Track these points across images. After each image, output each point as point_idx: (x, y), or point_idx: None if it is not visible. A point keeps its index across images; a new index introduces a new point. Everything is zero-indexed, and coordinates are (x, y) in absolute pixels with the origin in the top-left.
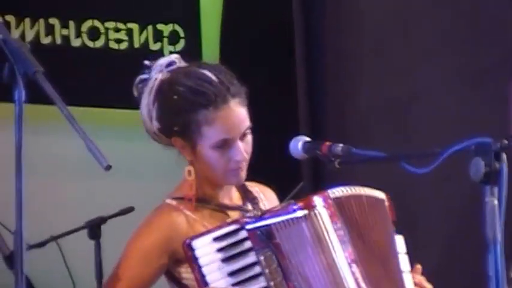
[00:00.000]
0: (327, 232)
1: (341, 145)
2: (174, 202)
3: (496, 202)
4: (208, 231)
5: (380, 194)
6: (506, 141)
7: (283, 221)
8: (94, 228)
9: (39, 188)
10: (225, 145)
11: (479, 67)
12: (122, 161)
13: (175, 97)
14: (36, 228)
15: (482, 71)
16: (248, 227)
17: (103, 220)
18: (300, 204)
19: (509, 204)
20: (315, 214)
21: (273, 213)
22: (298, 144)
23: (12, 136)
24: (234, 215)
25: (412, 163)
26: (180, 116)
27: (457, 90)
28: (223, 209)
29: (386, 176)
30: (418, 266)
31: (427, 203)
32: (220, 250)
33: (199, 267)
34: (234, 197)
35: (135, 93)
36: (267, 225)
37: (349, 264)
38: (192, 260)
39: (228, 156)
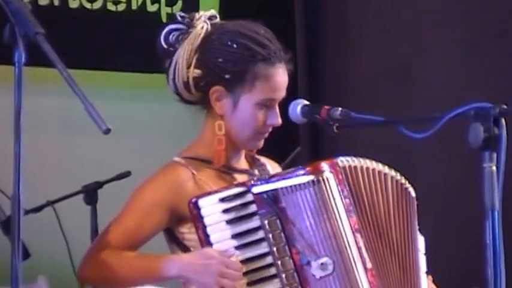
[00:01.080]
0: (334, 199)
1: (340, 109)
2: (183, 161)
3: (494, 168)
4: (215, 191)
5: (402, 179)
6: (505, 107)
7: (289, 186)
8: (90, 193)
9: (36, 152)
10: (268, 105)
11: (483, 33)
12: (121, 124)
13: (235, 46)
14: (32, 193)
15: (485, 36)
16: (254, 190)
17: (99, 185)
18: (308, 169)
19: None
20: (322, 180)
21: (280, 176)
22: (297, 108)
23: (11, 99)
24: (241, 179)
25: (411, 128)
26: (237, 64)
27: (458, 55)
28: (232, 171)
29: (385, 142)
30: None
31: (425, 169)
32: (225, 211)
33: (204, 226)
34: (243, 164)
35: (164, 44)
36: (273, 190)
37: (353, 233)
38: (196, 219)
39: (265, 118)
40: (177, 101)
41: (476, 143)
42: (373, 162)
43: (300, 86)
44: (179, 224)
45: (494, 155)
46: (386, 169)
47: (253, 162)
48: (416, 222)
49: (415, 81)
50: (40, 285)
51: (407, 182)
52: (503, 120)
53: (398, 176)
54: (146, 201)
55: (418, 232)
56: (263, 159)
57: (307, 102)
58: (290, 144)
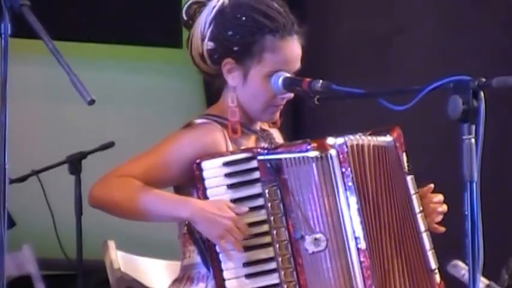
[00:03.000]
0: (335, 177)
1: (321, 81)
2: (216, 121)
3: (473, 140)
4: (220, 155)
5: (386, 139)
6: (484, 80)
7: (294, 158)
8: (75, 163)
9: (21, 122)
10: None
11: (464, 3)
12: (105, 94)
13: (244, 18)
14: (17, 162)
15: (466, 7)
16: (260, 157)
17: (83, 155)
18: (314, 144)
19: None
20: (326, 157)
21: (286, 148)
22: (278, 80)
23: None
24: (252, 141)
25: (391, 100)
26: (246, 37)
27: (438, 26)
28: (247, 130)
29: (364, 114)
30: (431, 186)
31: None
32: (228, 175)
33: (204, 188)
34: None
35: (185, 17)
36: (277, 160)
37: (351, 212)
38: (198, 180)
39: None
40: (198, 73)
41: (455, 115)
42: (377, 137)
43: None
44: (190, 184)
45: (473, 127)
46: (385, 140)
47: (263, 130)
48: (415, 202)
49: (395, 53)
50: (24, 253)
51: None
52: (481, 93)
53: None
54: (176, 152)
55: (418, 212)
56: (271, 130)
57: (288, 75)
58: None
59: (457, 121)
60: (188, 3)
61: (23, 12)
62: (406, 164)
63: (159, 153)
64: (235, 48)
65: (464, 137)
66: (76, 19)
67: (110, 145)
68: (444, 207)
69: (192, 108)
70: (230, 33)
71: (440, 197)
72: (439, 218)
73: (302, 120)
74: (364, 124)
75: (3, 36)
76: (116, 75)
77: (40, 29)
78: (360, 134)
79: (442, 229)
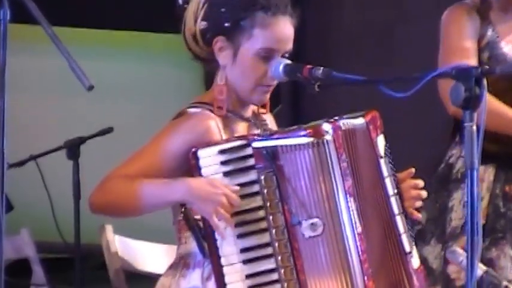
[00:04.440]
0: (331, 162)
1: (322, 68)
2: (206, 110)
3: (475, 128)
4: (216, 143)
5: (361, 121)
6: (487, 67)
7: (289, 145)
8: (73, 148)
9: (19, 107)
10: (268, 56)
11: None
12: (104, 81)
13: None
14: (15, 147)
15: None
16: (254, 144)
17: (82, 140)
18: (309, 130)
19: None
20: (322, 143)
21: (281, 134)
22: (279, 67)
23: None
24: (243, 128)
25: (392, 87)
26: (236, 12)
27: (441, 14)
28: (236, 117)
29: (364, 102)
30: (412, 170)
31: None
32: (223, 163)
33: (201, 176)
34: (247, 114)
35: (180, 1)
36: (273, 146)
37: (347, 197)
38: (195, 169)
39: (265, 70)
40: (192, 59)
41: (457, 102)
42: (360, 118)
43: None
44: (188, 174)
45: (475, 114)
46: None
47: (254, 115)
48: (388, 185)
49: (398, 42)
50: (23, 237)
51: None
52: (484, 81)
53: None
54: (172, 144)
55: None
56: (266, 116)
57: (289, 61)
58: (271, 103)
59: (459, 108)
60: None
61: None
62: (383, 147)
63: (153, 151)
64: (226, 25)
65: (465, 124)
66: (75, 5)
67: (108, 131)
68: (423, 193)
69: (192, 95)
70: (223, 10)
71: (419, 183)
72: (418, 203)
73: (302, 110)
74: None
75: (2, 22)
76: (114, 61)
77: (39, 15)
78: (336, 117)
79: (419, 215)
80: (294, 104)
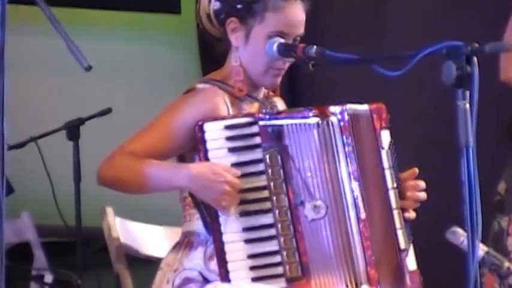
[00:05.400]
0: (336, 144)
1: (315, 47)
2: (215, 85)
3: (467, 106)
4: (223, 118)
5: (365, 108)
6: (477, 45)
7: (295, 124)
8: (72, 129)
9: (18, 89)
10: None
11: None
12: (102, 62)
13: None
14: (15, 129)
15: None
16: (261, 122)
17: (81, 121)
18: (316, 111)
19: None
20: (327, 124)
21: (288, 114)
22: (273, 46)
23: None
24: (254, 108)
25: (384, 66)
26: None
27: None
28: (247, 98)
29: (358, 80)
30: (415, 170)
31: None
32: (229, 139)
33: (206, 150)
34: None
35: None
36: (279, 125)
37: (351, 181)
38: (200, 142)
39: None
40: (207, 39)
41: (449, 80)
42: (365, 106)
43: None
44: (194, 151)
45: (467, 92)
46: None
47: (267, 98)
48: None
49: (388, 18)
50: (23, 220)
51: None
52: (475, 58)
53: None
54: (179, 120)
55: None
56: (275, 98)
57: (282, 40)
58: None
59: (452, 86)
60: None
61: None
62: (387, 142)
63: (161, 125)
64: (238, 6)
65: (458, 103)
66: None
67: (107, 111)
68: (422, 195)
69: (188, 76)
70: None
71: (421, 184)
72: (416, 204)
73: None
74: (359, 92)
75: (0, 2)
76: (112, 41)
77: None
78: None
79: (410, 216)
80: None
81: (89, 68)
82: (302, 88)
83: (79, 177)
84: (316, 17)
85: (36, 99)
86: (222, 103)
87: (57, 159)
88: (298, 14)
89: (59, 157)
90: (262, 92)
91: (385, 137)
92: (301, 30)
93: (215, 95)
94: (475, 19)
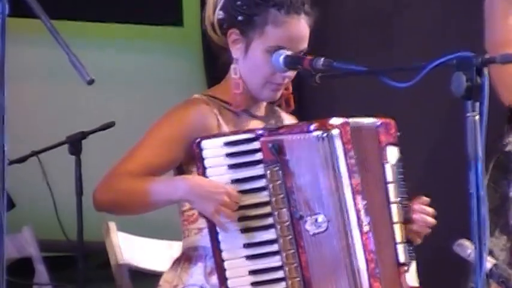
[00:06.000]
0: (338, 158)
1: (322, 59)
2: (205, 97)
3: (477, 117)
4: (223, 134)
5: (373, 121)
6: (487, 56)
7: (296, 139)
8: (75, 143)
9: (20, 102)
10: None
11: None
12: (104, 74)
13: None
14: (16, 143)
15: None
16: (262, 138)
17: (84, 135)
18: (316, 124)
19: None
20: (328, 137)
21: (288, 129)
22: (279, 58)
23: None
24: (255, 125)
25: (393, 77)
26: (250, 7)
27: (442, 2)
28: (248, 116)
29: (366, 92)
30: (425, 198)
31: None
32: (229, 155)
33: (204, 168)
34: (262, 112)
35: None
36: (279, 140)
37: (354, 194)
38: (198, 159)
39: (275, 67)
40: (214, 49)
41: (459, 92)
42: (373, 119)
43: None
44: (192, 161)
45: (477, 104)
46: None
47: (271, 113)
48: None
49: (397, 30)
50: (25, 235)
51: None
52: (485, 70)
53: None
54: (169, 132)
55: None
56: (283, 114)
57: (289, 52)
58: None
59: (461, 98)
60: None
61: None
62: (394, 158)
63: (151, 141)
64: (239, 18)
65: (468, 114)
66: None
67: (110, 125)
68: (431, 220)
69: (193, 88)
70: (239, 2)
71: (430, 210)
72: (424, 229)
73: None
74: (366, 105)
75: (0, 15)
76: (115, 54)
77: (38, 8)
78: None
79: (418, 241)
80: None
81: (91, 82)
82: (308, 100)
83: (81, 192)
84: (325, 29)
85: (38, 112)
86: (210, 115)
87: (58, 173)
88: (300, 29)
89: (61, 171)
90: (263, 108)
91: (392, 152)
92: (303, 45)
93: (202, 106)
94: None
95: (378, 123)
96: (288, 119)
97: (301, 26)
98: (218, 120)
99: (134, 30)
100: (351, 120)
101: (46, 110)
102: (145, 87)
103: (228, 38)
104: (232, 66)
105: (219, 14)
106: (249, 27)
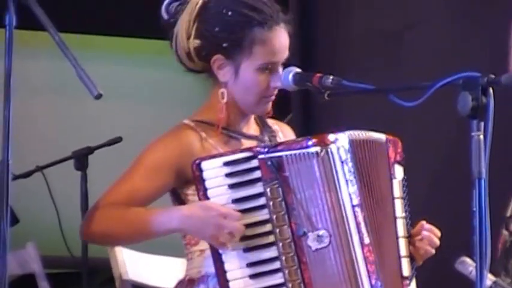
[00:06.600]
0: (337, 172)
1: (331, 77)
2: (192, 123)
3: (482, 137)
4: (221, 155)
5: (381, 137)
6: (493, 76)
7: (295, 155)
8: (81, 159)
9: (26, 117)
10: (269, 69)
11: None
12: (112, 89)
13: (230, 13)
14: (21, 158)
15: (476, 3)
16: (260, 156)
17: (90, 150)
18: (315, 140)
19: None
20: (327, 152)
21: (286, 145)
22: (288, 76)
23: (1, 63)
24: (249, 145)
25: (401, 96)
26: (234, 32)
27: (449, 22)
28: (241, 137)
29: (373, 110)
30: (423, 223)
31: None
32: (228, 175)
33: (205, 189)
34: (252, 129)
35: (165, 16)
36: (278, 157)
37: (354, 207)
38: (198, 181)
39: (268, 82)
40: (184, 71)
41: (465, 111)
42: (381, 135)
43: (291, 50)
44: (185, 185)
45: (482, 123)
46: (379, 136)
47: (263, 127)
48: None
49: (406, 48)
50: (29, 251)
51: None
52: (491, 90)
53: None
54: (154, 160)
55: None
56: (275, 126)
57: (299, 70)
58: (282, 112)
59: (466, 117)
60: (167, 1)
61: (29, 4)
62: (400, 175)
63: (136, 172)
64: (224, 45)
65: (473, 134)
66: (83, 11)
67: (117, 140)
68: (436, 240)
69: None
70: (217, 29)
71: (436, 231)
72: (431, 251)
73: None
74: (374, 122)
75: (7, 28)
76: (123, 69)
77: (46, 21)
78: (359, 131)
79: (419, 263)
80: (305, 113)
81: (98, 97)
82: (317, 115)
83: (86, 208)
84: (334, 47)
85: (43, 126)
86: (196, 139)
87: (63, 188)
88: (283, 39)
89: (66, 187)
90: (252, 122)
91: (399, 171)
92: (286, 53)
93: (187, 132)
94: (494, 51)
95: (387, 139)
96: (282, 129)
97: (284, 36)
98: (204, 145)
99: (143, 45)
100: (357, 133)
101: (52, 124)
102: (153, 103)
103: (212, 64)
104: (221, 90)
105: (195, 42)
106: (235, 51)
